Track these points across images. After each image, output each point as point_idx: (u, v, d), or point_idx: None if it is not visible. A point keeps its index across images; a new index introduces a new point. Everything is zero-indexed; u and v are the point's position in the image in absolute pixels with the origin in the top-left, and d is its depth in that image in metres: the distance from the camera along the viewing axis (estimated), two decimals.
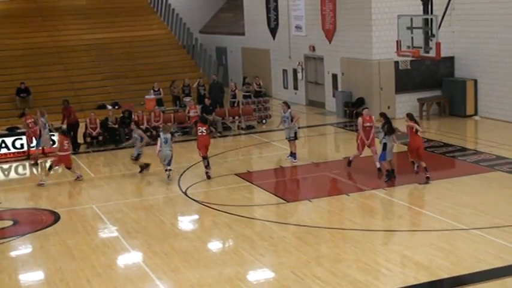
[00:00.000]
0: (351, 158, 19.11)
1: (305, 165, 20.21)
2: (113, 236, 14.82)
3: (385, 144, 17.39)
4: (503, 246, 12.80)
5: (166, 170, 18.86)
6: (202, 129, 18.99)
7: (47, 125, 22.58)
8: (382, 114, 17.89)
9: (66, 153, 19.33)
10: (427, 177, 17.17)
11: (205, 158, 18.95)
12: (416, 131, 17.21)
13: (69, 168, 19.61)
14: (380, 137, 17.63)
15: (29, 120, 22.69)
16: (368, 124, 18.62)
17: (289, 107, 20.25)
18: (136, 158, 19.91)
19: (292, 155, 20.26)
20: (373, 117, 18.90)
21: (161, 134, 19.04)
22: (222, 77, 33.38)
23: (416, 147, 17.35)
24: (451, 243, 13.20)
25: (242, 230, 14.57)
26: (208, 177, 18.81)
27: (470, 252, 12.73)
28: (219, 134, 24.99)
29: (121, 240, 14.38)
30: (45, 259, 13.59)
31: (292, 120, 20.01)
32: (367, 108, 19.98)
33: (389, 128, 17.40)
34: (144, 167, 19.99)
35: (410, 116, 17.53)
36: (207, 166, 18.92)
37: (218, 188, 18.05)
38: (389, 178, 17.55)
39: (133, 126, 20.71)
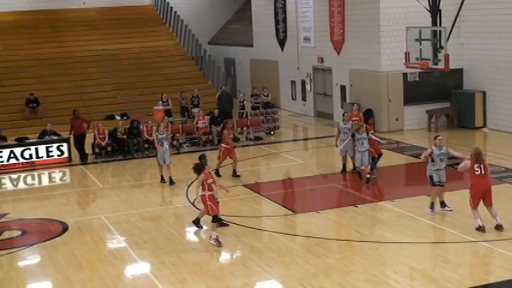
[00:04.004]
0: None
1: (313, 176, 20.20)
2: (121, 246, 14.82)
3: None
4: None
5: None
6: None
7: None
8: None
9: None
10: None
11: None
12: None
13: None
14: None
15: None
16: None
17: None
18: None
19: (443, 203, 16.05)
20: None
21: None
22: (231, 88, 33.45)
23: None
24: (460, 256, 13.15)
25: (250, 241, 14.55)
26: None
27: (479, 265, 12.68)
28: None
29: (129, 251, 14.39)
30: (53, 269, 13.60)
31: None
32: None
33: None
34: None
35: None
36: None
37: (226, 199, 18.01)
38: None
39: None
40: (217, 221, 14.56)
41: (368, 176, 18.52)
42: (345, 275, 12.38)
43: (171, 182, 19.72)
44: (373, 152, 19.01)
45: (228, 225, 15.50)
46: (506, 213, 15.53)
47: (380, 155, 19.46)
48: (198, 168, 14.80)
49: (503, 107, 25.10)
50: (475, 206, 14.36)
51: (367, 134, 18.67)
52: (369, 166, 18.63)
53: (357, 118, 21.31)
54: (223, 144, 20.18)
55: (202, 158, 15.31)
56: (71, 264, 13.76)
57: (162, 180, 19.99)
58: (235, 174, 20.08)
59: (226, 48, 39.96)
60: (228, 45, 39.90)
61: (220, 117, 25.88)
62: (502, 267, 12.39)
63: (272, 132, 27.04)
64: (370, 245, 13.91)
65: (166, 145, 19.69)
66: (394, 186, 18.77)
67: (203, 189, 14.55)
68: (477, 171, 14.27)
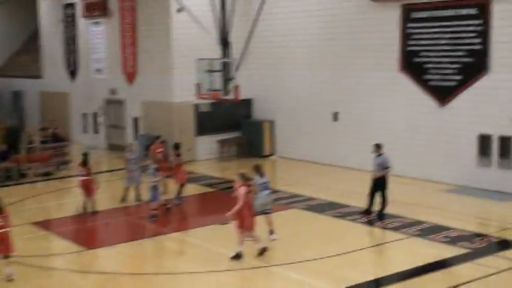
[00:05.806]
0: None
1: (107, 210, 19.74)
2: None
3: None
4: (299, 282, 13.24)
5: None
6: None
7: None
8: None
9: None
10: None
11: None
12: None
13: None
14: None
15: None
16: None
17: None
18: None
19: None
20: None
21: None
22: (19, 121, 32.04)
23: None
24: (253, 281, 13.42)
25: (39, 281, 13.85)
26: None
27: None
28: (14, 182, 23.84)
29: None
30: None
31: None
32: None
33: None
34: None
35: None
36: None
37: (13, 239, 17.05)
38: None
39: None
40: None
41: (153, 212, 18.22)
42: None
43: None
44: (178, 180, 19.41)
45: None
46: (293, 237, 16.16)
47: (183, 185, 19.57)
48: None
49: (289, 135, 26.31)
50: (253, 229, 14.57)
51: (156, 169, 18.34)
52: (155, 202, 18.25)
53: (161, 150, 21.22)
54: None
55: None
56: None
57: None
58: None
59: (14, 80, 38.23)
60: (16, 77, 38.21)
61: (8, 152, 24.65)
62: None
63: (62, 167, 26.12)
64: (164, 277, 13.81)
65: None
66: (188, 216, 18.88)
67: None
68: (249, 193, 14.60)
